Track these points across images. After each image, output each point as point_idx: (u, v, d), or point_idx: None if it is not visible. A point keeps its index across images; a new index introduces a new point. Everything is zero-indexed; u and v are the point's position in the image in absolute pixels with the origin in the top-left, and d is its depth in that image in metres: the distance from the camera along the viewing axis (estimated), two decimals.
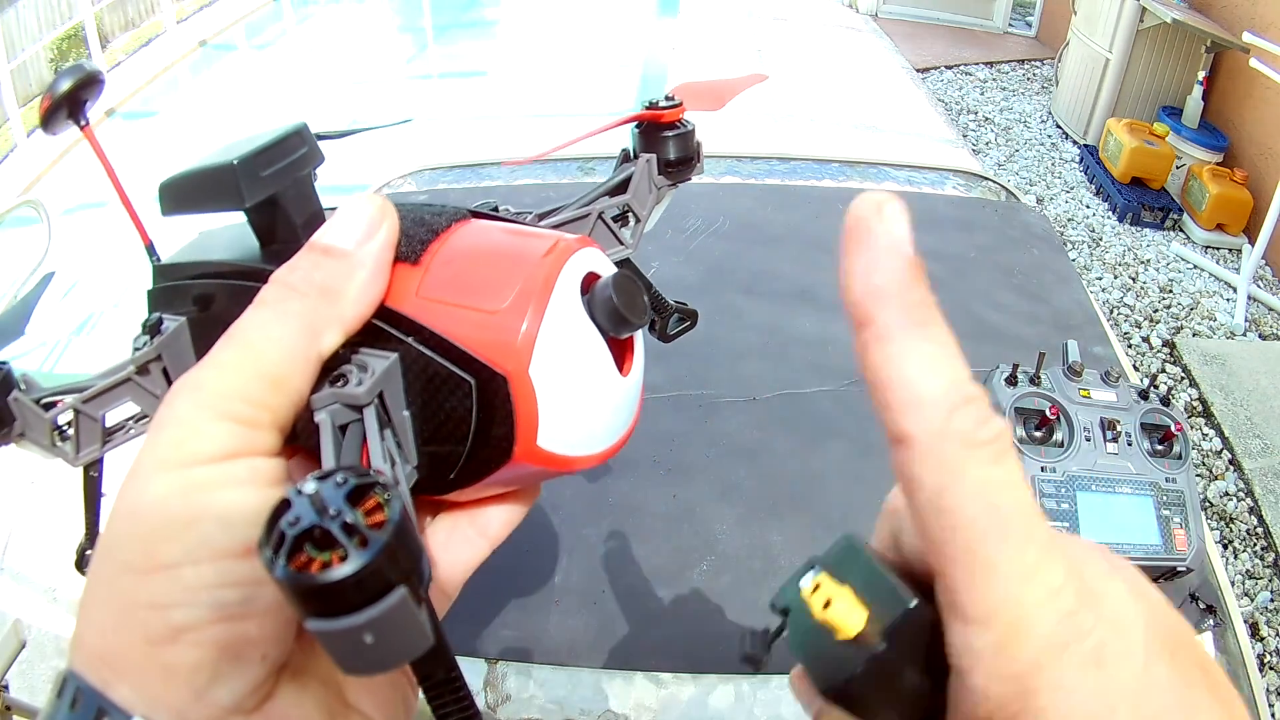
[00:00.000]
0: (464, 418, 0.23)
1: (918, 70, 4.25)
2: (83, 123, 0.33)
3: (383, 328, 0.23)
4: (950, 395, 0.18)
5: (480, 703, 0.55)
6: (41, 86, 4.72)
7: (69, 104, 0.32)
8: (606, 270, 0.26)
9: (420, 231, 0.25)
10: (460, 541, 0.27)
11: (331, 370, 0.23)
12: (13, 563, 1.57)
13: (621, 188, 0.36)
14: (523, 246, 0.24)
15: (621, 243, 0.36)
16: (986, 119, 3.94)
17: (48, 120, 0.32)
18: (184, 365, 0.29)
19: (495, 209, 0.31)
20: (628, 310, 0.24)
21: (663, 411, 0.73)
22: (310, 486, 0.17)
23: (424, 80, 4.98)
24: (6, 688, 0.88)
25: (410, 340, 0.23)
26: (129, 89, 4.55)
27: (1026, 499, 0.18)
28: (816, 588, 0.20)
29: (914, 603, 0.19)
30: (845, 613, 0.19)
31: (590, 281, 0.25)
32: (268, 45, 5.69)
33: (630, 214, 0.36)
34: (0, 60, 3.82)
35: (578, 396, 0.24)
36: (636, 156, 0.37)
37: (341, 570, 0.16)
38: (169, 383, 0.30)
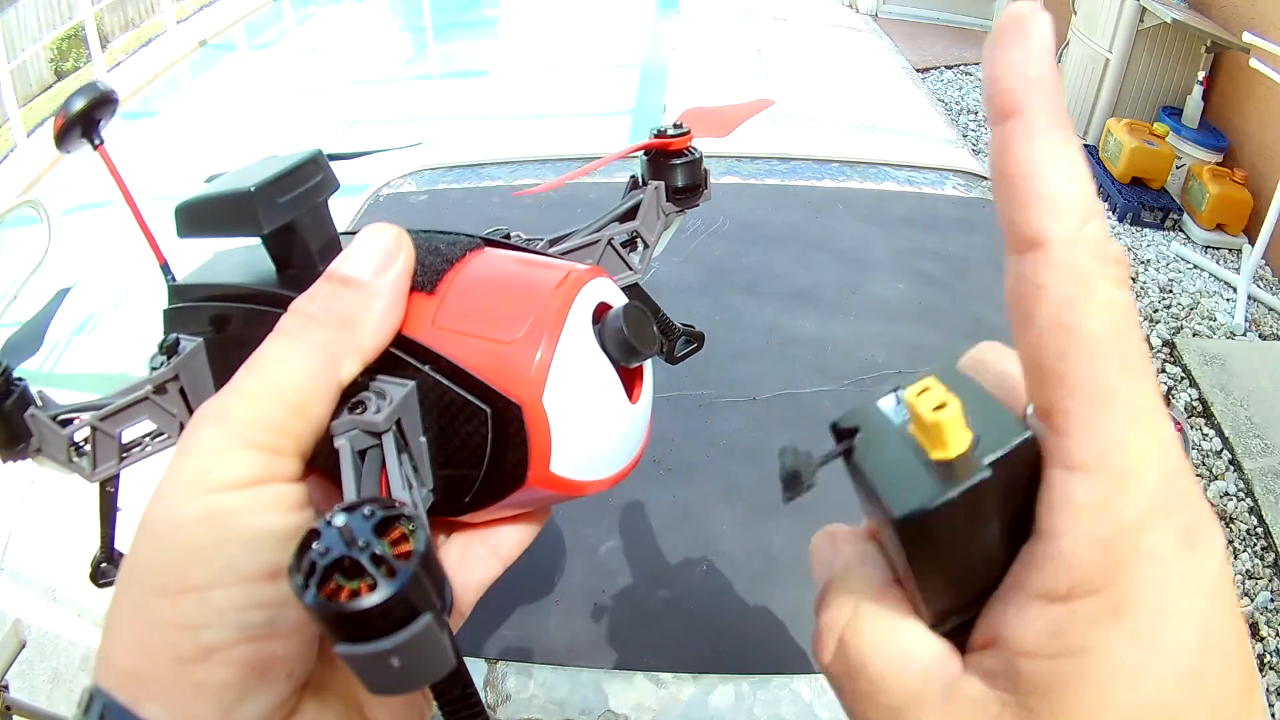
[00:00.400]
0: (479, 444, 0.24)
1: (918, 70, 4.25)
2: (97, 141, 0.33)
3: (400, 356, 0.24)
4: (1086, 202, 0.17)
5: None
6: (41, 86, 4.72)
7: (83, 123, 0.33)
8: (617, 299, 0.27)
9: (435, 261, 0.25)
10: (474, 560, 0.27)
11: (351, 397, 0.24)
12: (13, 563, 1.57)
13: (630, 214, 0.37)
14: (536, 277, 0.25)
15: (630, 268, 0.37)
16: (987, 119, 3.94)
17: (62, 139, 0.33)
18: (200, 385, 0.30)
19: (507, 236, 0.32)
20: (637, 340, 0.25)
21: (663, 411, 0.73)
22: (340, 519, 0.18)
23: (424, 80, 4.98)
24: (6, 688, 0.88)
25: (426, 369, 0.24)
26: (129, 89, 4.55)
27: (1141, 335, 0.17)
28: (924, 391, 0.17)
29: (1029, 435, 0.17)
30: (954, 426, 0.17)
31: (601, 311, 0.26)
32: (268, 45, 5.70)
33: (639, 240, 0.37)
34: (0, 60, 3.82)
35: (589, 424, 0.25)
36: (644, 183, 0.38)
37: (371, 599, 0.17)
38: (186, 402, 0.30)
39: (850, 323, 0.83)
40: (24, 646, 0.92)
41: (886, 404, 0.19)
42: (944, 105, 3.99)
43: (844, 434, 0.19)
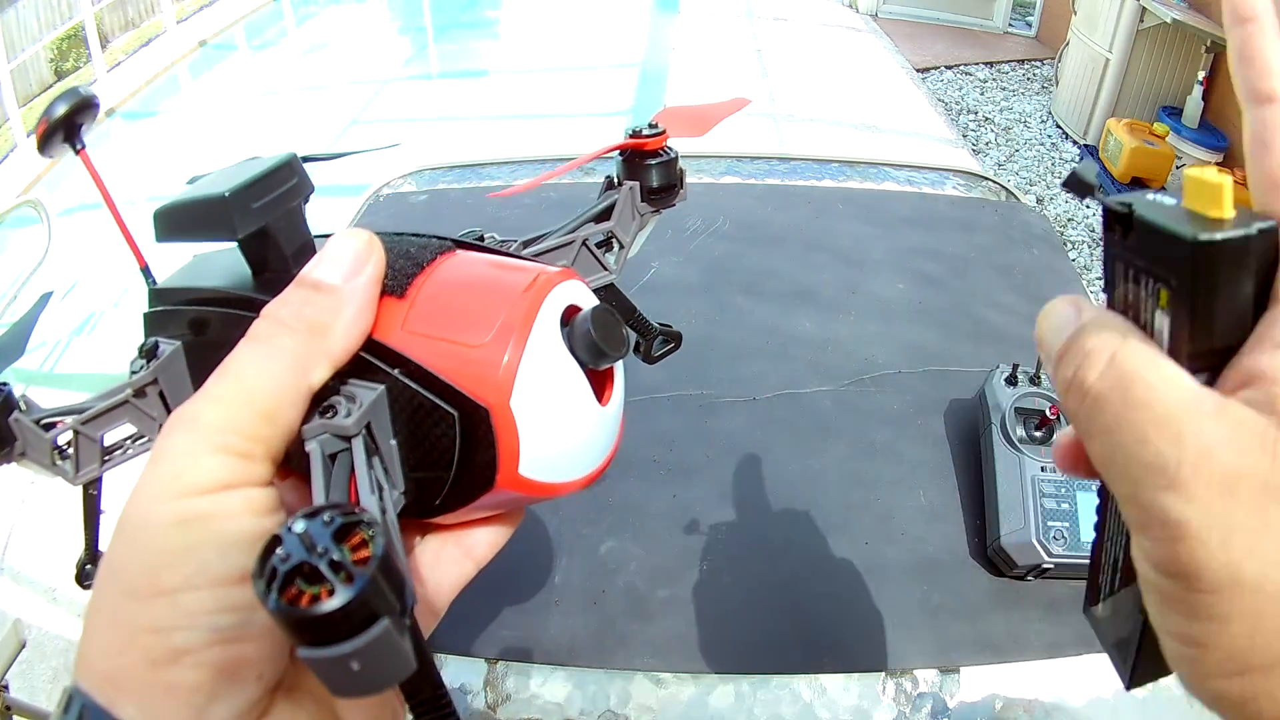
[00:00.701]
0: (448, 448, 0.24)
1: (918, 70, 4.25)
2: (78, 146, 0.34)
3: (370, 360, 0.24)
4: None
5: (480, 702, 0.55)
6: (41, 86, 4.72)
7: (65, 128, 0.33)
8: (587, 301, 0.27)
9: (406, 265, 0.26)
10: (447, 562, 0.28)
11: (322, 401, 0.24)
12: (13, 563, 1.57)
13: (605, 215, 0.37)
14: (505, 280, 0.25)
15: (605, 268, 0.37)
16: (986, 119, 3.94)
17: (44, 144, 0.33)
18: (179, 388, 0.30)
19: (481, 238, 0.32)
20: (605, 344, 0.25)
21: (663, 411, 0.73)
22: (300, 525, 0.18)
23: (424, 80, 4.98)
24: (6, 688, 0.88)
25: (396, 373, 0.24)
26: (129, 89, 4.55)
27: None
28: (1199, 171, 0.21)
29: (1275, 223, 0.20)
30: (1229, 192, 0.20)
31: (571, 314, 0.26)
32: (268, 45, 5.69)
33: (614, 240, 0.37)
34: (0, 60, 3.82)
35: (558, 427, 0.25)
36: (620, 183, 0.38)
37: (328, 605, 0.17)
38: (165, 405, 0.31)
39: (850, 322, 0.83)
40: (24, 646, 0.92)
41: (1150, 197, 0.22)
42: (944, 105, 3.99)
43: (1118, 216, 0.22)
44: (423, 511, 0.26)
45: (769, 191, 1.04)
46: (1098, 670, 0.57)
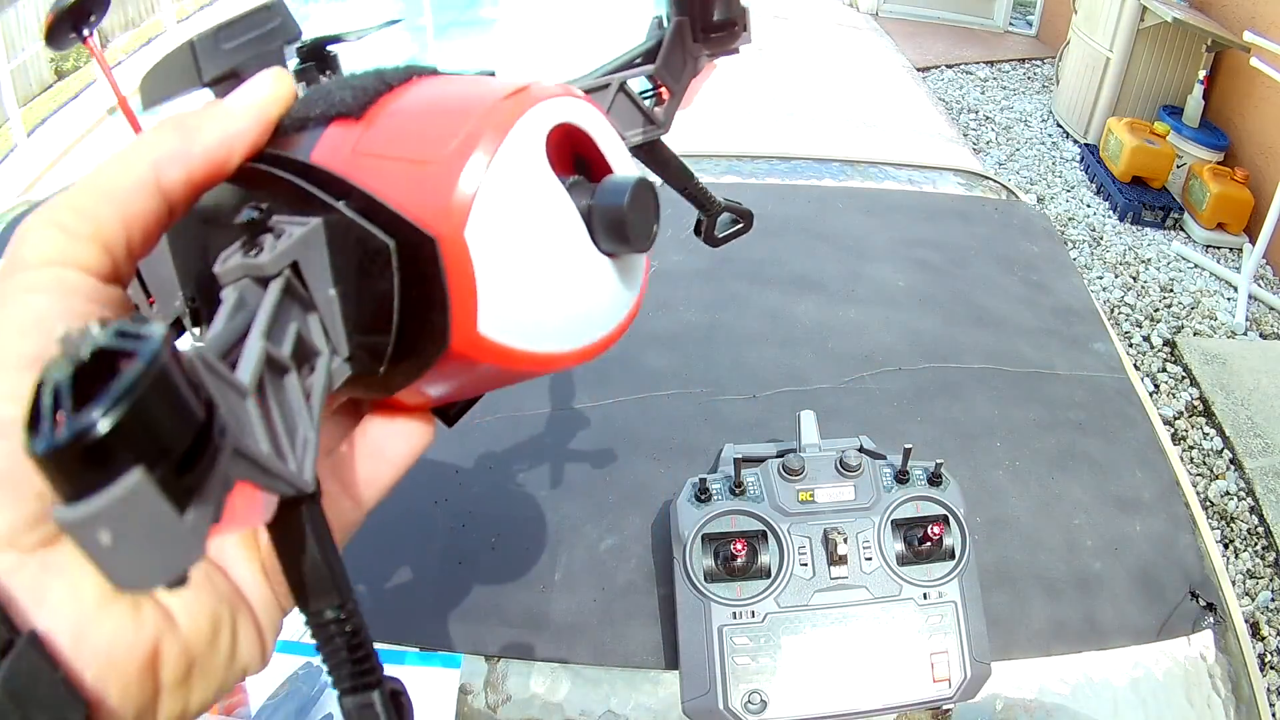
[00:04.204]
0: (388, 293, 0.19)
1: (918, 69, 4.25)
2: (86, 34, 0.33)
3: (310, 191, 0.19)
4: None
5: (480, 702, 0.55)
6: (41, 86, 4.72)
7: (73, 17, 0.32)
8: (600, 132, 0.21)
9: (372, 83, 0.21)
10: (364, 458, 0.24)
11: (250, 240, 0.20)
12: None
13: (650, 56, 0.30)
14: (482, 90, 0.20)
15: (652, 121, 0.29)
16: (987, 118, 3.93)
17: (51, 34, 0.32)
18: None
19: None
20: (635, 226, 0.19)
21: (664, 406, 0.73)
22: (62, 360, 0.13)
23: None
24: None
25: (341, 205, 0.19)
26: (129, 89, 4.55)
27: None
28: None
29: None
30: None
31: (599, 169, 0.21)
32: None
33: (665, 89, 0.30)
34: (0, 60, 3.82)
35: (534, 273, 0.19)
36: (668, 21, 0.31)
37: (69, 429, 0.12)
38: None
39: (853, 311, 0.83)
40: None
41: None
42: (944, 104, 3.99)
43: None
44: (371, 384, 0.21)
45: (770, 190, 1.04)
46: (1098, 670, 0.57)
